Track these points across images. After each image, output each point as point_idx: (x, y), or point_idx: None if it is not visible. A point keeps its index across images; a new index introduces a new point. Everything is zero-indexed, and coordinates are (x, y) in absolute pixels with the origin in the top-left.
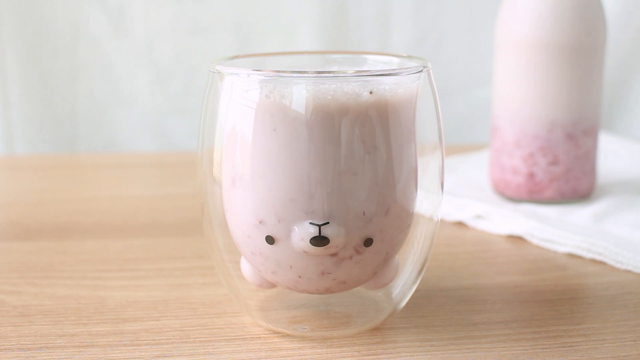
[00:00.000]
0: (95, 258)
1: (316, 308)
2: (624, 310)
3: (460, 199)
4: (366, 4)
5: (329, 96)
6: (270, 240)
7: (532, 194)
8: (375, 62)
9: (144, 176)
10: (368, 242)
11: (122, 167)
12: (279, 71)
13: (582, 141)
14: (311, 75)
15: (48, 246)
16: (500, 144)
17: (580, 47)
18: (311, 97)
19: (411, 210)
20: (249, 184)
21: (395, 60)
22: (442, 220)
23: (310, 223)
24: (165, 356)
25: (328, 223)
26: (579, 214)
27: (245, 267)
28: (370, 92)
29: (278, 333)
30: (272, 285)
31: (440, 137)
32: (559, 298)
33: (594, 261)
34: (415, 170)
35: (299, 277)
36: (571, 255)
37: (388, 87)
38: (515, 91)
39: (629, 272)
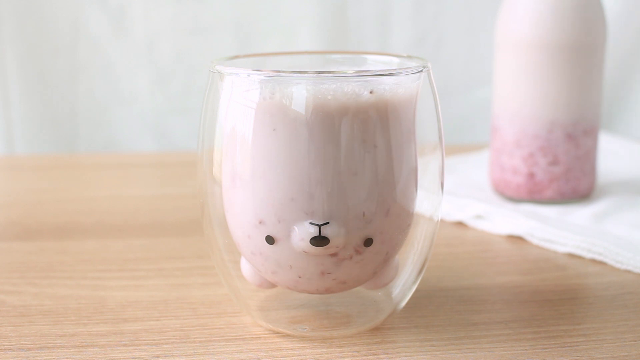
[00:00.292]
0: (95, 258)
1: (316, 308)
2: (624, 310)
3: (460, 199)
4: (366, 4)
5: (329, 96)
6: (270, 240)
7: (532, 194)
8: (375, 62)
9: (144, 176)
10: (368, 242)
11: (122, 167)
12: (279, 71)
13: (582, 141)
14: (311, 75)
15: (48, 246)
16: (500, 144)
17: (580, 47)
18: (311, 97)
19: (411, 210)
20: (249, 184)
21: (395, 60)
22: (442, 220)
23: (310, 223)
24: (165, 356)
25: (328, 223)
26: (579, 214)
27: (245, 267)
28: (371, 92)
29: (278, 333)
30: (272, 285)
31: (440, 137)
32: (559, 298)
33: (594, 261)
34: (415, 170)
35: (299, 277)
36: (571, 255)
37: (388, 87)
38: (515, 91)
39: (629, 272)
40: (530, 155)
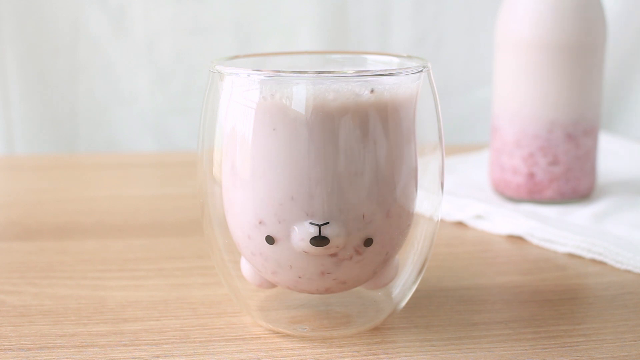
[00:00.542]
0: (95, 258)
1: (316, 308)
2: (624, 310)
3: (460, 199)
4: (366, 4)
5: (329, 96)
6: (270, 240)
7: (532, 194)
8: (375, 62)
9: (144, 176)
10: (368, 242)
11: (122, 167)
12: (279, 71)
13: (582, 141)
14: (311, 75)
15: (48, 246)
16: (500, 144)
17: (580, 47)
18: (311, 97)
19: (411, 211)
20: (249, 184)
21: (395, 60)
22: (442, 220)
23: (310, 223)
24: (165, 356)
25: (328, 223)
26: (579, 214)
27: (245, 267)
28: (372, 91)
29: (278, 333)
30: (272, 285)
31: (440, 137)
32: (559, 298)
33: (594, 261)
34: (415, 170)
35: (299, 277)
36: (571, 255)
37: (388, 87)
38: (515, 91)
39: (629, 272)
40: (530, 155)
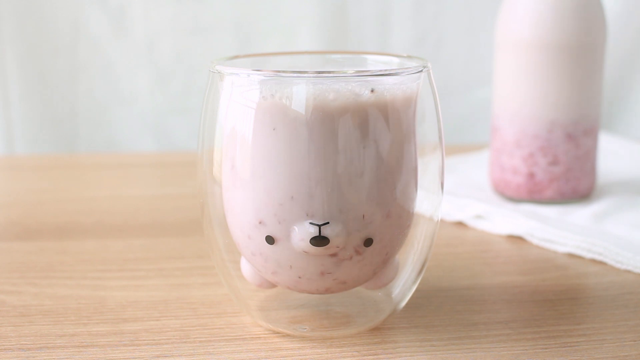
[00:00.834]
0: (95, 258)
1: (316, 308)
2: (624, 310)
3: (460, 199)
4: (366, 4)
5: (328, 96)
6: (270, 240)
7: (532, 194)
8: (375, 62)
9: (144, 176)
10: (368, 242)
11: (122, 167)
12: (279, 71)
13: (582, 141)
14: (311, 75)
15: (48, 246)
16: (500, 144)
17: (580, 47)
18: (311, 97)
19: (411, 211)
20: (249, 184)
21: (395, 60)
22: (442, 220)
23: (310, 223)
24: (165, 356)
25: (328, 223)
26: (579, 214)
27: (245, 267)
28: (372, 91)
29: (278, 333)
30: (272, 285)
31: (440, 137)
32: (559, 298)
33: (594, 261)
34: (415, 170)
35: (299, 277)
36: (571, 255)
37: (388, 87)
38: (515, 91)
39: (629, 272)
40: (530, 155)
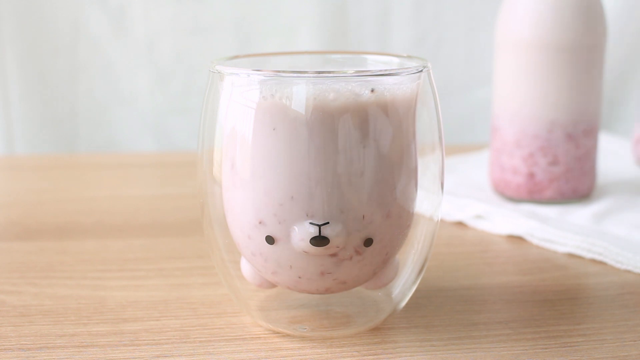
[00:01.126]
0: (95, 258)
1: (316, 308)
2: (624, 310)
3: (460, 199)
4: (366, 4)
5: (329, 96)
6: (270, 240)
7: (532, 194)
8: (375, 62)
9: (144, 176)
10: (368, 242)
11: (122, 167)
12: (279, 71)
13: (582, 141)
14: (311, 75)
15: (48, 246)
16: (500, 144)
17: (580, 47)
18: (311, 97)
19: (411, 211)
20: (249, 184)
21: (395, 60)
22: (442, 220)
23: (310, 223)
24: (165, 356)
25: (328, 223)
26: (579, 214)
27: (245, 267)
28: (372, 91)
29: (278, 333)
30: (272, 285)
31: (440, 137)
32: (559, 298)
33: (594, 261)
34: (415, 170)
35: (299, 277)
36: (571, 255)
37: (388, 87)
38: (515, 91)
39: (629, 272)
40: (530, 155)
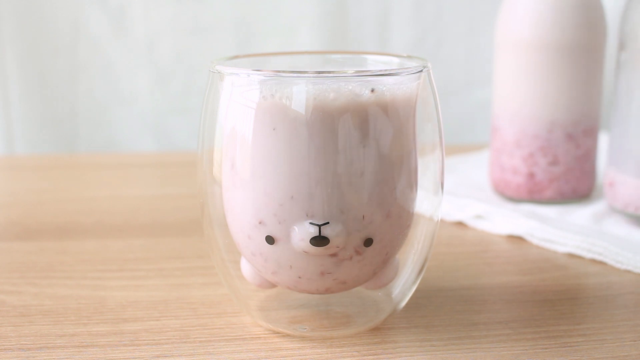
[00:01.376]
0: (95, 258)
1: (316, 308)
2: (624, 310)
3: (460, 199)
4: (366, 4)
5: (329, 96)
6: (270, 240)
7: (532, 194)
8: (375, 62)
9: (144, 176)
10: (368, 242)
11: (122, 167)
12: (279, 71)
13: (582, 141)
14: (311, 75)
15: (48, 246)
16: (500, 144)
17: (580, 47)
18: (311, 97)
19: (411, 211)
20: (249, 184)
21: (395, 60)
22: (442, 220)
23: (310, 223)
24: (165, 356)
25: (328, 223)
26: (579, 214)
27: (245, 267)
28: (372, 91)
29: (278, 333)
30: (272, 285)
31: (440, 137)
32: (559, 298)
33: (594, 261)
34: (415, 171)
35: (299, 277)
36: (571, 255)
37: (388, 87)
38: (515, 91)
39: (629, 272)
40: (530, 155)
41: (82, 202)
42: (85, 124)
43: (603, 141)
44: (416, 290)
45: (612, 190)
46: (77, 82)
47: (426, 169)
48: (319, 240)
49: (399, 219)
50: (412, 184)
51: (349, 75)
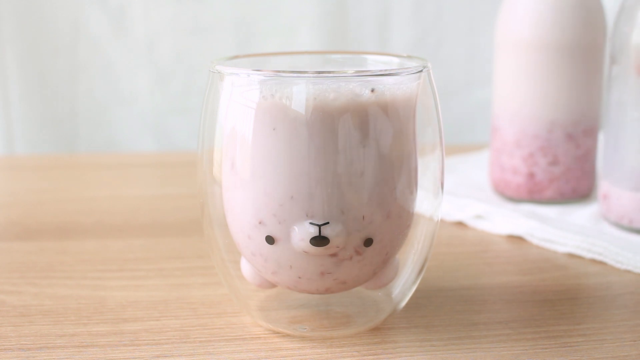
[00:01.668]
0: (95, 258)
1: (316, 308)
2: (624, 310)
3: (460, 199)
4: (366, 4)
5: (329, 96)
6: (270, 240)
7: (532, 194)
8: (375, 62)
9: (144, 176)
10: (368, 242)
11: (122, 167)
12: (278, 71)
13: (582, 141)
14: (311, 75)
15: (48, 246)
16: (500, 144)
17: (580, 47)
18: (311, 97)
19: (411, 211)
20: (249, 184)
21: (395, 60)
22: (442, 220)
23: (310, 223)
24: (165, 356)
25: (328, 223)
26: (579, 214)
27: (245, 267)
28: (372, 91)
29: (278, 333)
30: (272, 285)
31: (440, 137)
32: (559, 298)
33: (594, 261)
34: (415, 170)
35: (299, 277)
36: (571, 255)
37: (388, 87)
38: (515, 91)
39: (629, 272)
40: (530, 155)
41: (82, 202)
42: (85, 124)
43: (603, 141)
44: (416, 290)
45: (606, 203)
46: (77, 82)
47: (426, 169)
48: (319, 240)
49: (399, 219)
50: (412, 184)
51: (349, 75)
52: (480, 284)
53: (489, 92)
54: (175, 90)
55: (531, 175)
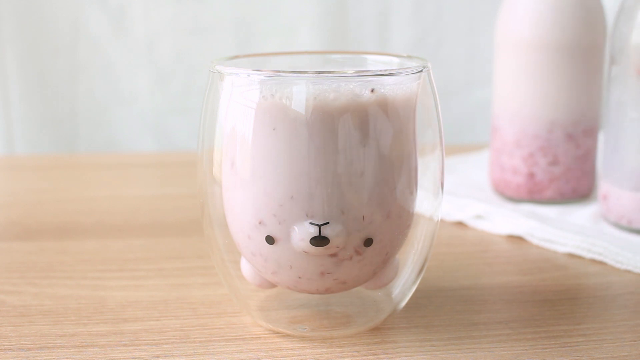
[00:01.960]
0: (95, 258)
1: (316, 308)
2: (624, 310)
3: (460, 199)
4: (366, 4)
5: (329, 96)
6: (270, 240)
7: (532, 194)
8: (375, 62)
9: (144, 176)
10: (368, 242)
11: (122, 167)
12: (278, 71)
13: (582, 141)
14: (311, 75)
15: (48, 246)
16: (500, 144)
17: (580, 47)
18: (311, 97)
19: (411, 211)
20: (249, 184)
21: (395, 60)
22: (442, 220)
23: (310, 223)
24: (165, 356)
25: (328, 223)
26: (579, 214)
27: (245, 267)
28: (372, 91)
29: (278, 333)
30: (272, 285)
31: (440, 137)
32: (559, 298)
33: (594, 261)
34: (415, 170)
35: (299, 277)
36: (571, 255)
37: (388, 87)
38: (515, 91)
39: (629, 272)
40: (530, 155)
41: (82, 202)
42: (85, 124)
43: (603, 141)
44: (416, 290)
45: (605, 203)
46: (77, 82)
47: (426, 169)
48: (319, 240)
49: (399, 219)
50: (412, 184)
51: (349, 75)
52: (480, 284)
53: (489, 92)
54: (175, 90)
55: (531, 175)
